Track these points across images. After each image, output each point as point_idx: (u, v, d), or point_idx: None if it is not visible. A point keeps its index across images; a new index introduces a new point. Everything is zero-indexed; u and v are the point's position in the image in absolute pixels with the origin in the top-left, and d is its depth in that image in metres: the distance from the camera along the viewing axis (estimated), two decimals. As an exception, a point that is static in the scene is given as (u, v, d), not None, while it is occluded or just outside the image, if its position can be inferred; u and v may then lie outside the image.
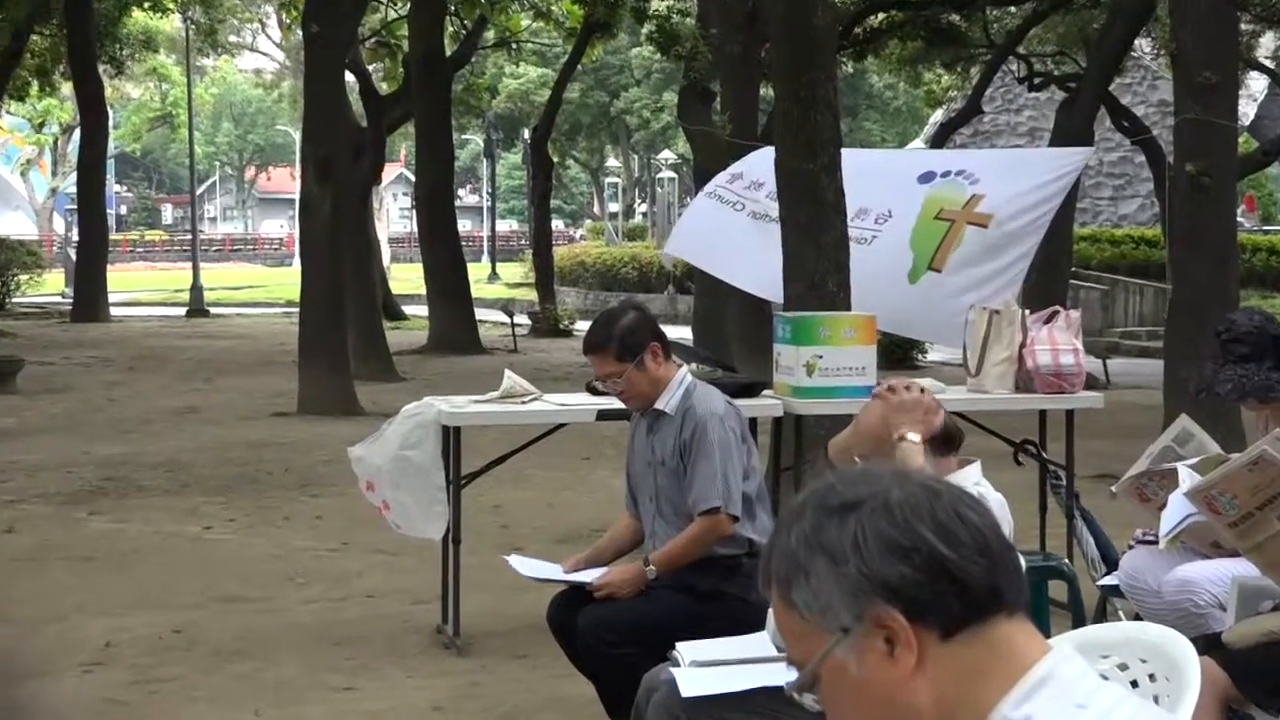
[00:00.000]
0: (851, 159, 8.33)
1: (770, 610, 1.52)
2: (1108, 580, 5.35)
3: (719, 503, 4.48)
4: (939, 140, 21.43)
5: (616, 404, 5.93)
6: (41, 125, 48.67)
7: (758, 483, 4.64)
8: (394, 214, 75.73)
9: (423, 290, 25.42)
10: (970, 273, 7.84)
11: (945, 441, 3.74)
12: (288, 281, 39.31)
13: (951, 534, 1.44)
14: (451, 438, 5.95)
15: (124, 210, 78.61)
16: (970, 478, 3.70)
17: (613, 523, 5.08)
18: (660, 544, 4.64)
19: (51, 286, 36.95)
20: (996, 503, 3.43)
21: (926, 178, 8.39)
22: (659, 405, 4.65)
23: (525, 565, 4.97)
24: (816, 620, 1.45)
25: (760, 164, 9.03)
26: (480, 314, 25.95)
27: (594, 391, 6.22)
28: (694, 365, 5.94)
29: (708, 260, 9.39)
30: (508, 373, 6.26)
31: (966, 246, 7.92)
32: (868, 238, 8.27)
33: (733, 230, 8.80)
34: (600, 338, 4.65)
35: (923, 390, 3.63)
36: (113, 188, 60.11)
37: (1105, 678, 1.58)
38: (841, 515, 1.45)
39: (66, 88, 35.69)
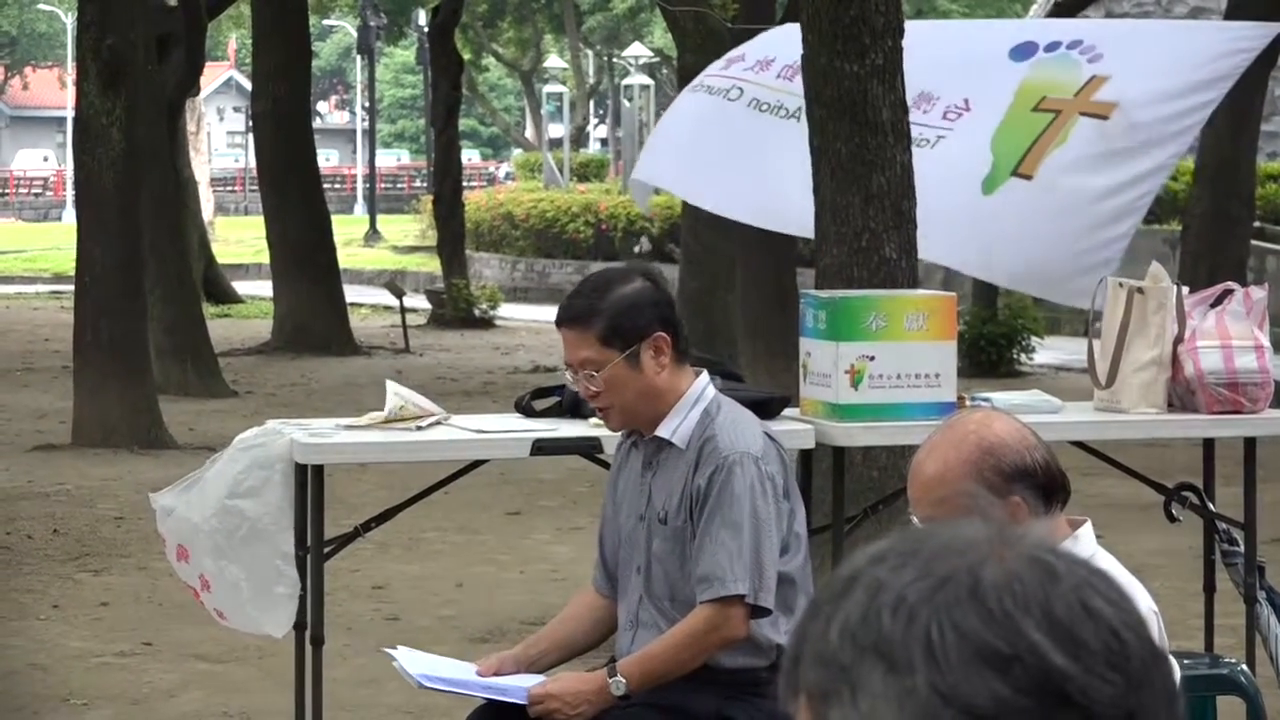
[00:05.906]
0: (916, 33, 8.34)
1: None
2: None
3: (741, 588, 4.48)
4: (1052, 27, 21.49)
5: (559, 432, 5.97)
6: None
7: (801, 560, 4.64)
8: (220, 141, 75.57)
9: (265, 258, 25.33)
10: (1077, 184, 7.85)
11: (1046, 492, 3.70)
12: (57, 245, 39.14)
13: (1073, 636, 1.44)
14: (310, 482, 5.93)
15: None
16: (1085, 548, 3.69)
17: (564, 605, 5.09)
18: (644, 641, 4.63)
19: None
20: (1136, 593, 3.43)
21: (1024, 51, 8.45)
22: (661, 432, 4.63)
23: (417, 662, 4.95)
24: (865, 756, 1.45)
25: (772, 40, 9.05)
26: (354, 294, 25.82)
27: (528, 412, 6.22)
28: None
29: (687, 183, 9.37)
30: (392, 385, 6.23)
31: (1075, 145, 7.95)
32: (930, 138, 8.28)
33: (725, 130, 8.78)
34: (582, 306, 4.64)
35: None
36: None
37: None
38: (908, 603, 1.45)
39: None
